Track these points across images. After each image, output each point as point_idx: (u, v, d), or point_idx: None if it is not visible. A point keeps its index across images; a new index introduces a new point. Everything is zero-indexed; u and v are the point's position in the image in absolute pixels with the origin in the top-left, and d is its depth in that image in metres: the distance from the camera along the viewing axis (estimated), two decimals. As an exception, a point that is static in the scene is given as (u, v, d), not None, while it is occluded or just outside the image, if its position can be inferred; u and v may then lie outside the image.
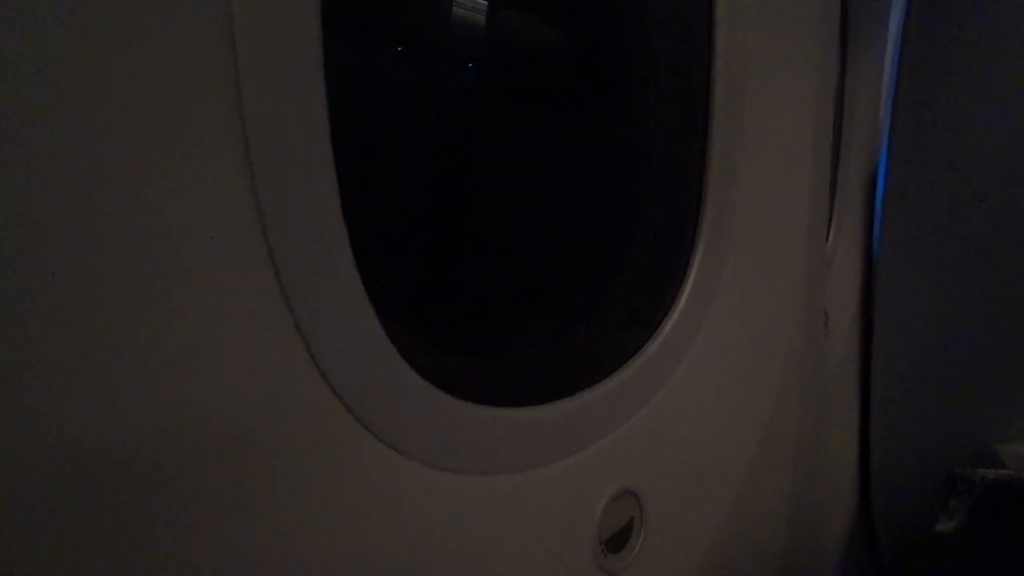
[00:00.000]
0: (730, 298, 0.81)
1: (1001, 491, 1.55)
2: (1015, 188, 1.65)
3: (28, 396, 0.32)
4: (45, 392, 0.32)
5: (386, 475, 0.49)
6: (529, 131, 0.80)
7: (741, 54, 0.80)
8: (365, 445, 0.47)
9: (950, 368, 1.71)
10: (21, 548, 0.32)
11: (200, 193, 0.37)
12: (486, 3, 0.70)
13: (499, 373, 0.67)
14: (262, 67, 0.38)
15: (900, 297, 1.75)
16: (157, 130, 0.35)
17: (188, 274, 0.37)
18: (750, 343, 0.87)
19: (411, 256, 0.71)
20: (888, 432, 1.75)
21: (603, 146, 0.87)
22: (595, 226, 0.84)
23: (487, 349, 0.69)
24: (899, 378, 1.75)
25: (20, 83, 0.31)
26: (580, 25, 0.86)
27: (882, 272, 1.77)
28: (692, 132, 0.81)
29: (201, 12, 0.36)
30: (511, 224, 0.80)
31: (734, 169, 0.82)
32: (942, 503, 1.65)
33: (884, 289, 1.76)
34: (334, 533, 0.46)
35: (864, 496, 1.79)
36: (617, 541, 0.69)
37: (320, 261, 0.43)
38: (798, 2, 0.92)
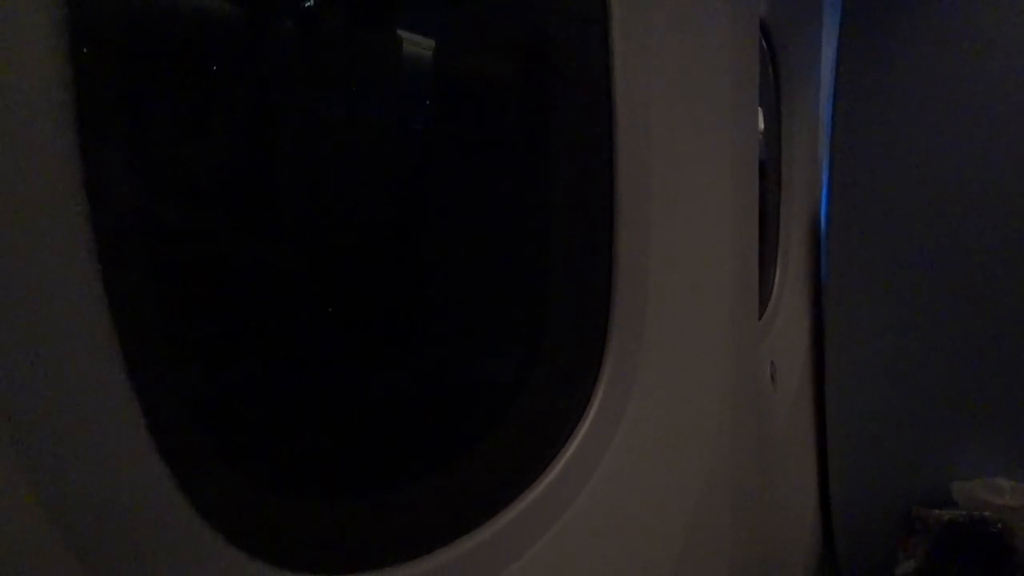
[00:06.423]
0: (646, 401, 0.78)
1: (957, 530, 1.55)
2: (962, 218, 1.65)
3: None
4: None
5: None
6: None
7: (645, 126, 0.76)
8: None
9: (904, 406, 1.71)
10: None
11: None
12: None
13: (359, 528, 0.57)
14: None
15: (851, 336, 1.74)
16: None
17: None
18: (671, 439, 0.85)
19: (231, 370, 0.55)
20: (846, 473, 1.75)
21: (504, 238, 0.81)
22: (485, 340, 0.78)
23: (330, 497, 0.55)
24: (854, 418, 1.75)
25: None
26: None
27: (831, 312, 1.76)
28: (596, 218, 0.76)
29: None
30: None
31: (644, 262, 0.79)
32: (902, 542, 1.65)
33: (834, 329, 1.76)
34: None
35: (827, 537, 1.78)
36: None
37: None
38: (709, 72, 0.90)
